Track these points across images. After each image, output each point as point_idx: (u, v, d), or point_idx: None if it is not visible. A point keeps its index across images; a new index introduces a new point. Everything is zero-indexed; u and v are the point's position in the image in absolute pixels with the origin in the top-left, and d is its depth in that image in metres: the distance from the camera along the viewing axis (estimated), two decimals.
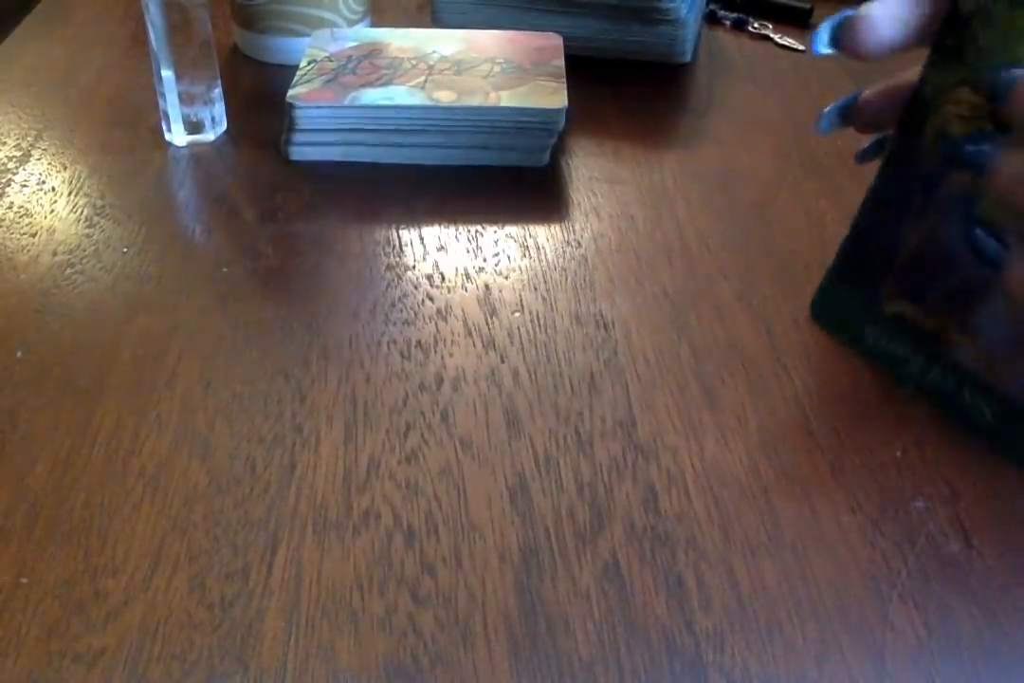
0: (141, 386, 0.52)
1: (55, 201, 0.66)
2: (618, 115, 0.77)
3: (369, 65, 0.73)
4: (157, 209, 0.66)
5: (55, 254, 0.61)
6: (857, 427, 0.51)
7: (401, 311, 0.58)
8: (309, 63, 0.73)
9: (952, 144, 0.45)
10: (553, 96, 0.70)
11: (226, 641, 0.41)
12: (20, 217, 0.64)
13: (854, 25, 0.44)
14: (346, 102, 0.69)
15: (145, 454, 0.49)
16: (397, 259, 0.62)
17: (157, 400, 0.52)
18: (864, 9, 0.45)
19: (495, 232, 0.64)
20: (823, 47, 0.46)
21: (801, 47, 0.87)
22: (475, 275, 0.61)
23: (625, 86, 0.81)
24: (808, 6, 0.92)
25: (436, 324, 0.57)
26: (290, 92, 0.69)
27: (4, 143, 0.71)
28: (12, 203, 0.65)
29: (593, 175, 0.70)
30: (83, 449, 0.49)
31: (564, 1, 0.80)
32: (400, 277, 0.60)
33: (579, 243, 0.63)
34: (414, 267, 0.61)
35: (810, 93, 0.81)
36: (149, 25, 0.66)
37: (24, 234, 0.62)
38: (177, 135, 0.71)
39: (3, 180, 0.67)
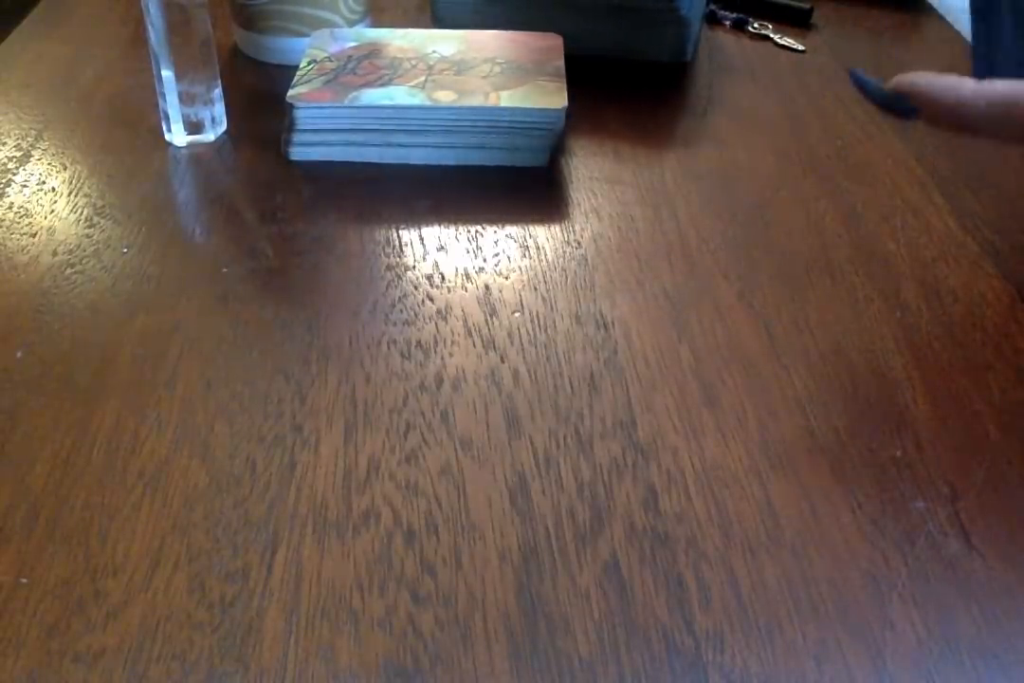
0: (141, 386, 0.52)
1: (55, 201, 0.66)
2: (618, 115, 0.77)
3: (369, 65, 0.73)
4: (157, 209, 0.66)
5: (55, 254, 0.61)
6: (857, 427, 0.51)
7: (401, 311, 0.58)
8: (309, 63, 0.73)
9: None
10: (553, 96, 0.70)
11: (226, 641, 0.41)
12: (20, 217, 0.64)
13: None
14: (346, 102, 0.69)
15: (145, 454, 0.49)
16: (397, 259, 0.62)
17: (157, 400, 0.52)
18: None
19: (495, 232, 0.64)
20: None
21: (801, 47, 0.87)
22: (475, 275, 0.61)
23: (625, 86, 0.81)
24: (808, 6, 0.92)
25: (436, 324, 0.57)
26: (290, 92, 0.69)
27: (4, 143, 0.71)
28: (12, 203, 0.65)
29: (593, 175, 0.70)
30: (83, 449, 0.49)
31: (564, 1, 0.81)
32: (400, 277, 0.60)
33: (579, 243, 0.63)
34: (414, 267, 0.61)
35: (810, 93, 0.81)
36: (149, 25, 0.66)
37: (24, 234, 0.62)
38: (177, 135, 0.71)
39: (3, 180, 0.67)
